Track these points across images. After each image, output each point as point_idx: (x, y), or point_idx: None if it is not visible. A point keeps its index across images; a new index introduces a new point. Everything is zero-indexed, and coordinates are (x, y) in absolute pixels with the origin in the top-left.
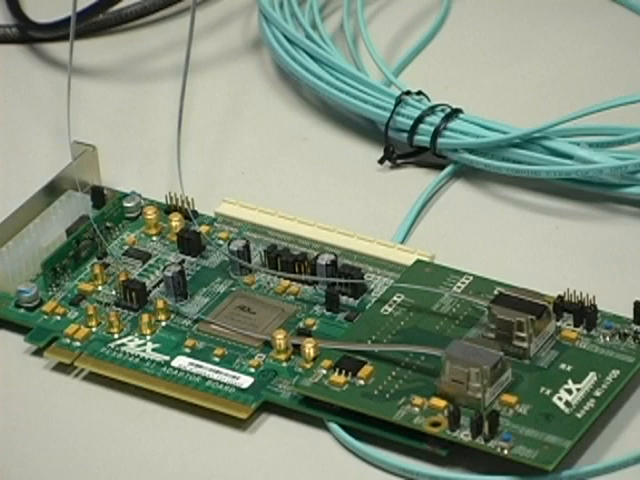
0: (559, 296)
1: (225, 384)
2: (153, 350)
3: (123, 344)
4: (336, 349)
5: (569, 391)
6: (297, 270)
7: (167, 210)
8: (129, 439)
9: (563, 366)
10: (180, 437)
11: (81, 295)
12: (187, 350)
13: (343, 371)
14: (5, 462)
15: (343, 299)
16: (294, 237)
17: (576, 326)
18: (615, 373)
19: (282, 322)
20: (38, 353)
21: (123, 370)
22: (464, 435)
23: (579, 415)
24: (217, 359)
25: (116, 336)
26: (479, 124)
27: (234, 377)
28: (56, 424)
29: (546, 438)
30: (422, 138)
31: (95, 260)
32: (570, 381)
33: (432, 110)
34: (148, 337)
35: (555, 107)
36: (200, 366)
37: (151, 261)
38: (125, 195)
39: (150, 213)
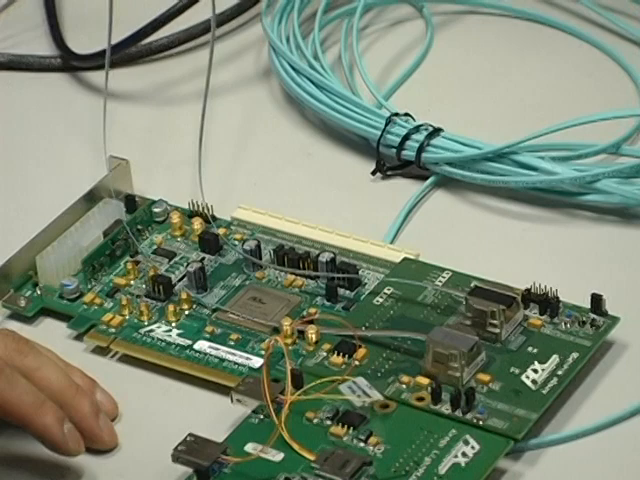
0: (526, 289)
1: (239, 364)
2: (178, 335)
3: (152, 330)
4: (335, 334)
5: (535, 370)
6: (301, 266)
7: (190, 215)
8: (157, 412)
9: (530, 349)
10: (201, 410)
11: (116, 288)
12: (207, 335)
13: (341, 353)
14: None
15: (341, 291)
16: (299, 238)
17: (541, 314)
18: (575, 355)
19: (288, 311)
20: (79, 338)
21: (152, 352)
22: (445, 408)
23: (544, 391)
24: (233, 343)
25: (146, 323)
26: (457, 141)
27: (247, 358)
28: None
29: (515, 411)
30: (408, 153)
31: (128, 258)
32: (536, 362)
33: (417, 129)
34: (173, 324)
35: (522, 126)
36: (218, 349)
37: (176, 259)
38: (154, 202)
39: (175, 217)
